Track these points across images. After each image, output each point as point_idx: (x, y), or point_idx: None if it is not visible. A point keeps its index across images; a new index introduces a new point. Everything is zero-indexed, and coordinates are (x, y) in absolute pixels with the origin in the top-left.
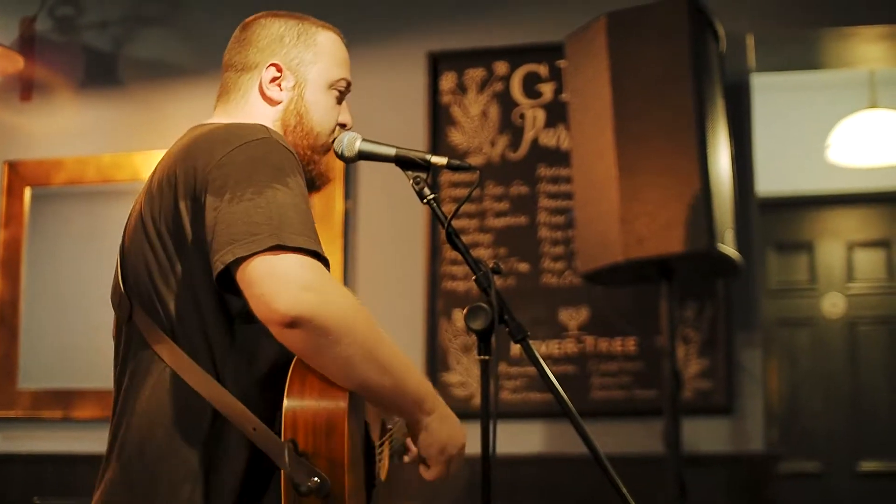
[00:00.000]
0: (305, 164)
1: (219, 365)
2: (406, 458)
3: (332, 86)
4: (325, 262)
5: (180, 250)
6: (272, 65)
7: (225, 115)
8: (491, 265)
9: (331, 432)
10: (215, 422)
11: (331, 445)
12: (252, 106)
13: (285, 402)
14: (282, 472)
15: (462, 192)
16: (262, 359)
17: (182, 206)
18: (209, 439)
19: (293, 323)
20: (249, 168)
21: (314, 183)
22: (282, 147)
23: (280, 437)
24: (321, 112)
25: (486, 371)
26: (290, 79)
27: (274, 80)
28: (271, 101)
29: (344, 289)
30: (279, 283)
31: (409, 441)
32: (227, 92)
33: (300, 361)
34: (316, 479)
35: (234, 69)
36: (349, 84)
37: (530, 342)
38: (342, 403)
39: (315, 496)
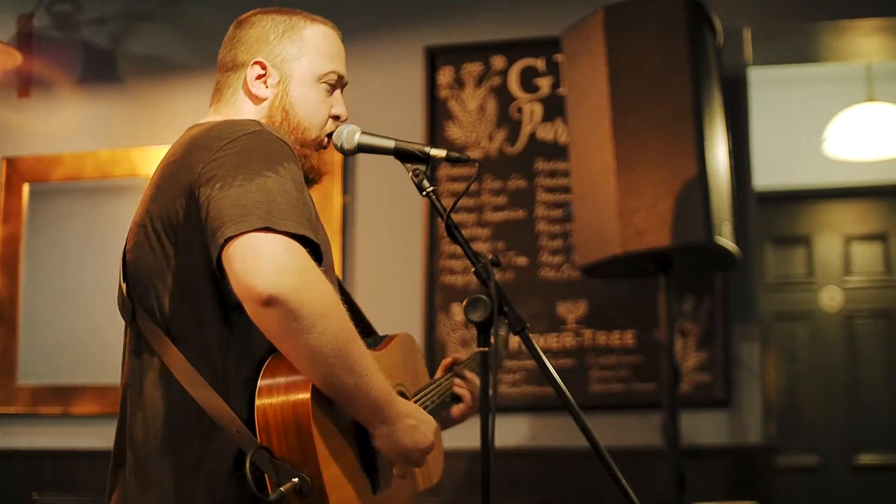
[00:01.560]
0: None
1: (218, 358)
2: (455, 411)
3: (320, 79)
4: (316, 249)
5: (176, 247)
6: (256, 62)
7: (217, 115)
8: (490, 258)
9: (299, 429)
10: (203, 422)
11: (302, 441)
12: (240, 104)
13: (256, 401)
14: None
15: (460, 187)
16: (260, 347)
17: (178, 203)
18: (199, 439)
19: (268, 301)
20: (240, 159)
21: (307, 177)
22: (275, 138)
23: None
24: (309, 107)
25: (486, 363)
26: (275, 75)
27: (259, 77)
28: (257, 99)
29: (326, 280)
30: (260, 261)
31: (457, 390)
32: (219, 91)
33: (273, 358)
34: (295, 479)
35: (225, 68)
36: (341, 77)
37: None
38: (305, 396)
39: (295, 496)
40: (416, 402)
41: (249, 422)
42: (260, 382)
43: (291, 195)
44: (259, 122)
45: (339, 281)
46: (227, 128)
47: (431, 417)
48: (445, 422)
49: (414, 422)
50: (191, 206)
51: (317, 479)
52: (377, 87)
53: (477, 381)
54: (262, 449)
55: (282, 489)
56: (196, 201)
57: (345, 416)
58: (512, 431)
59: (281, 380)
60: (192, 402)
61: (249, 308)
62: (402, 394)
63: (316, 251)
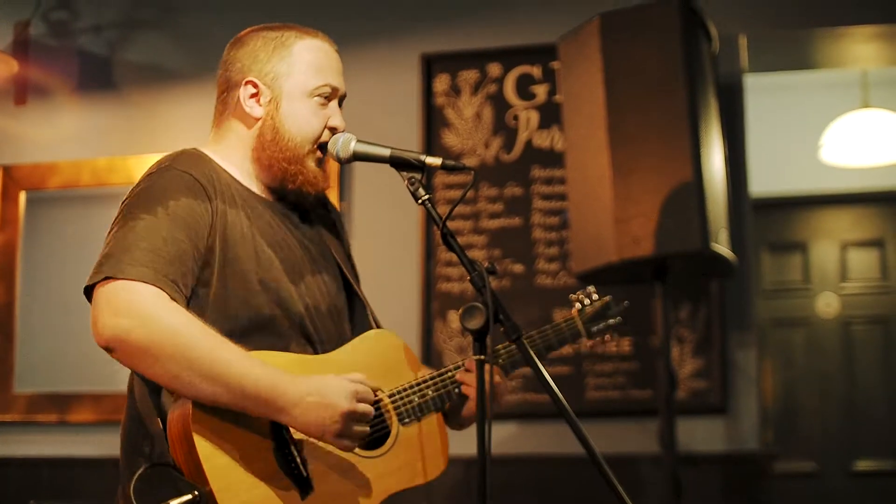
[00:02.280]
0: (288, 176)
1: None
2: (465, 411)
3: (311, 94)
4: (174, 288)
5: None
6: (248, 81)
7: (213, 143)
8: (486, 265)
9: (187, 440)
10: (148, 430)
11: (191, 454)
12: (232, 129)
13: (168, 419)
14: None
15: (455, 194)
16: None
17: None
18: (147, 447)
19: (108, 348)
20: (132, 200)
21: (302, 191)
22: (174, 173)
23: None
24: (301, 122)
25: (482, 371)
26: (267, 93)
27: (252, 96)
28: (249, 119)
29: (168, 311)
30: (98, 311)
31: (465, 390)
32: (217, 115)
33: None
34: (195, 492)
35: (220, 90)
36: (335, 89)
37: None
38: (187, 409)
39: None
40: (393, 400)
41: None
42: (173, 398)
43: (157, 237)
44: (180, 155)
45: (347, 276)
46: (151, 167)
47: (343, 382)
48: (456, 420)
49: (316, 397)
50: None
51: (209, 492)
52: (373, 95)
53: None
54: (165, 464)
55: (171, 503)
56: None
57: (255, 421)
58: (509, 438)
59: (179, 396)
60: (137, 410)
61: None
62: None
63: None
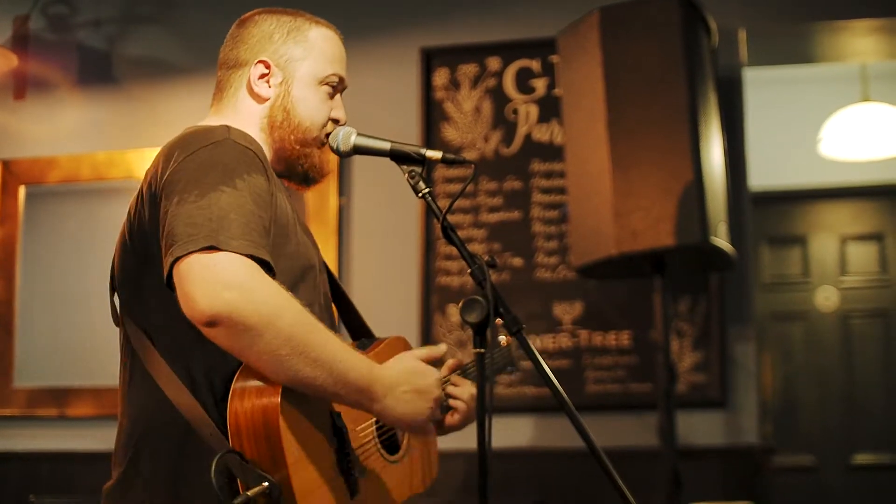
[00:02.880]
0: (296, 158)
1: (193, 361)
2: (449, 420)
3: (322, 81)
4: (267, 265)
5: (150, 255)
6: (260, 61)
7: (216, 114)
8: (486, 259)
9: (269, 434)
10: (179, 423)
11: (271, 446)
12: (241, 103)
13: (229, 405)
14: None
15: (455, 188)
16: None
17: (146, 211)
18: (176, 440)
19: (210, 321)
20: (199, 172)
21: (308, 175)
22: (239, 147)
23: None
24: (310, 107)
25: (482, 364)
26: (279, 75)
27: (263, 76)
28: (259, 98)
29: (272, 286)
30: (202, 282)
31: (451, 402)
32: (220, 90)
33: None
34: (265, 483)
35: (227, 66)
36: (342, 80)
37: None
38: (275, 400)
39: (265, 500)
40: None
41: (224, 424)
42: (234, 385)
43: (246, 210)
44: (227, 129)
45: (336, 281)
46: (195, 136)
47: (430, 370)
48: (441, 428)
49: (407, 387)
50: (155, 214)
51: (286, 485)
52: (373, 89)
53: (469, 388)
54: (232, 452)
55: (248, 493)
56: (159, 211)
57: (321, 418)
58: (509, 432)
59: (253, 383)
60: (169, 404)
61: (202, 330)
62: (336, 420)
63: (267, 268)
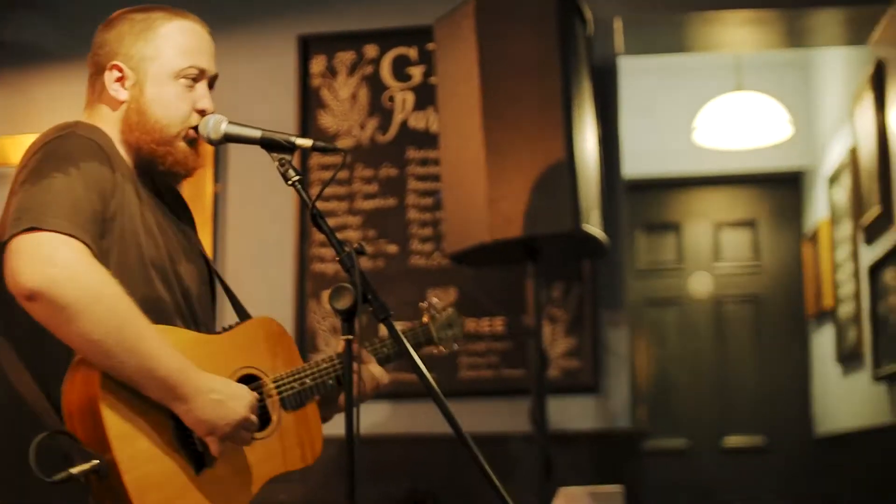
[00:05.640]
0: (156, 157)
1: (36, 345)
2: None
3: (178, 75)
4: (93, 247)
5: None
6: (113, 66)
7: (87, 119)
8: (355, 246)
9: (92, 412)
10: (24, 408)
11: (95, 425)
12: (103, 108)
13: (62, 389)
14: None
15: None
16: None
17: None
18: (22, 423)
19: (31, 296)
20: (39, 163)
21: (172, 172)
22: (81, 139)
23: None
24: (166, 104)
25: (350, 351)
26: (132, 77)
27: (118, 80)
28: (115, 103)
29: (97, 271)
30: (27, 258)
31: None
32: (89, 94)
33: None
34: (95, 461)
35: (91, 72)
36: (202, 70)
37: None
38: (94, 377)
39: (95, 478)
40: (277, 385)
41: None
42: (68, 370)
43: (74, 194)
44: (74, 124)
45: (212, 268)
46: (45, 133)
47: (246, 391)
48: (331, 409)
49: (219, 396)
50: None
51: (112, 461)
52: (250, 77)
53: (372, 366)
54: (64, 433)
55: (71, 471)
56: None
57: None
58: (381, 418)
59: (82, 365)
60: (12, 389)
61: (23, 305)
62: (251, 377)
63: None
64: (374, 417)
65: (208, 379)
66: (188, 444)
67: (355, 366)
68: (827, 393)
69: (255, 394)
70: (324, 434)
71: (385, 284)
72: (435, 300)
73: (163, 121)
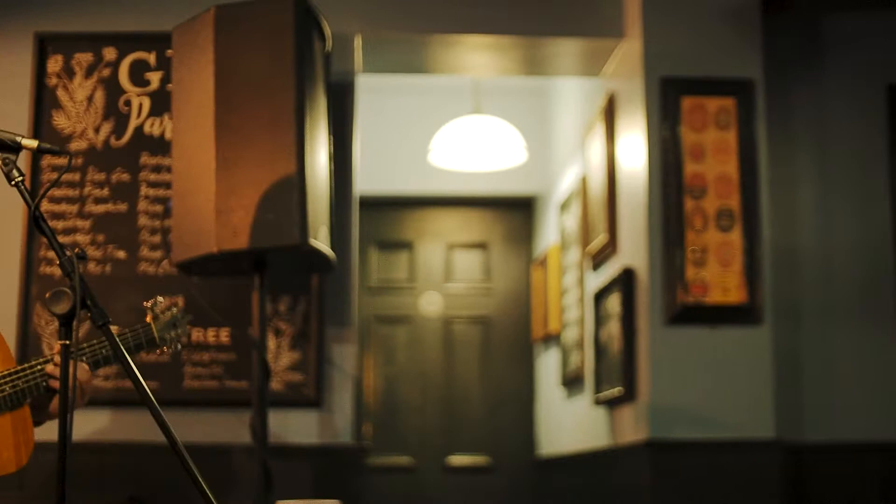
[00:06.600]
0: None
1: None
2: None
3: None
4: None
5: None
6: None
7: None
8: (76, 251)
9: None
10: None
11: None
12: None
13: None
14: None
15: (65, 177)
16: None
17: None
18: None
19: None
20: None
21: None
22: None
23: None
24: None
25: (66, 355)
26: None
27: None
28: None
29: None
30: None
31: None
32: None
33: None
34: None
35: None
36: None
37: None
38: None
39: None
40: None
41: None
42: None
43: None
44: None
45: None
46: None
47: None
48: (44, 414)
49: None
50: None
51: None
52: None
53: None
54: None
55: None
56: None
57: None
58: (102, 425)
59: None
60: None
61: None
62: None
63: None
64: (96, 424)
65: None
66: None
67: (58, 370)
68: (551, 415)
69: None
70: (44, 439)
71: (113, 290)
72: (160, 299)
73: None
